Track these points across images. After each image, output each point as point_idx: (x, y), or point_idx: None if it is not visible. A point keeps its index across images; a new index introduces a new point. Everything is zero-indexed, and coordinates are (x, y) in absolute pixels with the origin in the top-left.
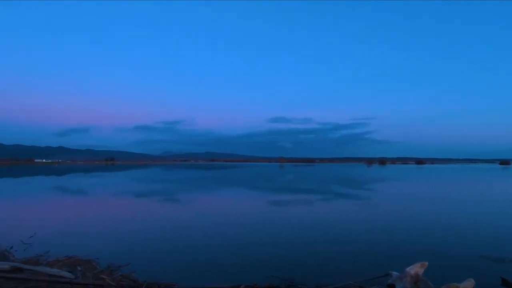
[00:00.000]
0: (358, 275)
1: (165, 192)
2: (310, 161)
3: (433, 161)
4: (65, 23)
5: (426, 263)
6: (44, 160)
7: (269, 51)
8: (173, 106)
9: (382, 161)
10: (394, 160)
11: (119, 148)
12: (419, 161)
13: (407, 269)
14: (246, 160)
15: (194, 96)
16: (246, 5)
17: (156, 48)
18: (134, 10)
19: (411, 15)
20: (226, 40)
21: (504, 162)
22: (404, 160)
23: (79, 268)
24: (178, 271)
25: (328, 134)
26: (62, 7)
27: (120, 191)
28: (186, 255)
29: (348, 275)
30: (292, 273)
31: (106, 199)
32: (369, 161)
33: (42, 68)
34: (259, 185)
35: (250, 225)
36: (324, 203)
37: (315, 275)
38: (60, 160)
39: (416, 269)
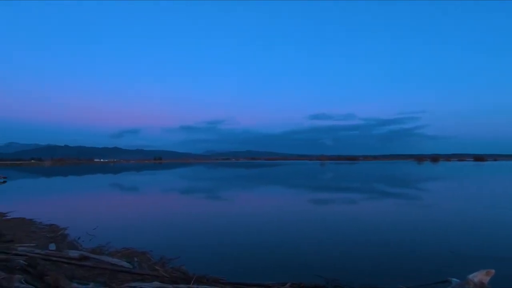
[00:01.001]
0: (410, 279)
1: (209, 189)
2: (353, 158)
3: (495, 157)
4: (120, 30)
5: (493, 271)
6: (101, 160)
7: (308, 47)
8: (214, 106)
9: (435, 158)
10: (448, 157)
11: (165, 147)
12: (478, 158)
13: (470, 276)
14: (286, 158)
15: (235, 95)
16: (279, 4)
17: (198, 52)
18: (182, 14)
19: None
20: (264, 39)
21: None
22: (460, 157)
23: (135, 259)
24: (224, 266)
25: (372, 130)
26: (123, 12)
27: (169, 188)
28: (232, 251)
29: (399, 279)
30: (337, 273)
31: (157, 195)
32: (419, 158)
33: (100, 74)
34: (300, 183)
35: (293, 223)
36: (370, 202)
37: (362, 277)
38: (115, 160)
39: (480, 276)
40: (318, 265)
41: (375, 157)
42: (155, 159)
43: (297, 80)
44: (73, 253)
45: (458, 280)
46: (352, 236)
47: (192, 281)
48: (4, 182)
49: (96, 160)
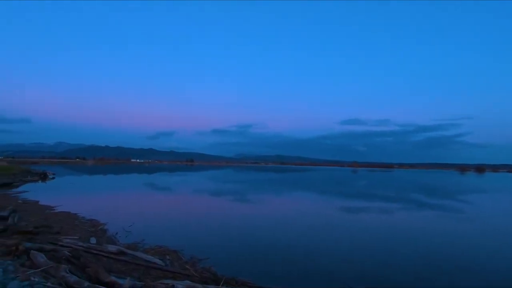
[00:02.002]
0: None
1: (239, 192)
2: (387, 166)
3: None
4: (159, 37)
5: None
6: (138, 160)
7: (341, 49)
8: (245, 110)
9: (480, 168)
10: (496, 168)
11: (197, 150)
12: None
13: None
14: (316, 164)
15: (266, 99)
16: (316, 9)
17: (229, 58)
18: (214, 20)
19: None
20: (293, 42)
21: None
22: (510, 168)
23: (167, 257)
24: (253, 269)
25: (409, 136)
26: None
27: (200, 189)
28: (260, 255)
29: None
30: (368, 284)
31: (188, 196)
32: (462, 168)
33: (141, 80)
34: (331, 189)
35: (323, 229)
36: (407, 213)
37: None
38: (150, 160)
39: None
40: (350, 275)
41: (411, 165)
42: (187, 161)
43: (329, 84)
44: (112, 248)
45: None
46: (383, 247)
47: (221, 283)
48: (53, 178)
49: (132, 160)
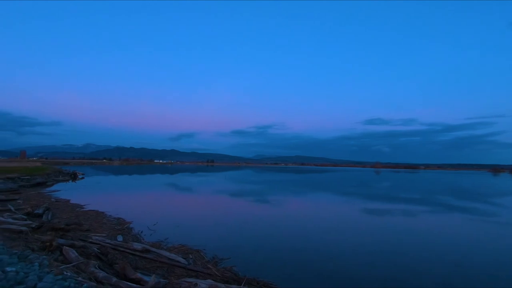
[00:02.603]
0: None
1: (260, 192)
2: (413, 167)
3: None
4: (181, 41)
5: None
6: (160, 161)
7: (363, 48)
8: (265, 111)
9: None
10: None
11: (217, 151)
12: None
13: None
14: (338, 165)
15: (285, 100)
16: (337, 10)
17: (247, 56)
18: (228, 23)
19: None
20: (313, 42)
21: None
22: None
23: (190, 256)
24: (274, 270)
25: (436, 136)
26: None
27: (221, 189)
28: (282, 256)
29: None
30: None
31: (210, 196)
32: (495, 169)
33: (164, 83)
34: (352, 191)
35: (347, 233)
36: (433, 216)
37: None
38: (172, 161)
39: None
40: (371, 279)
41: (439, 166)
42: (207, 162)
43: (351, 83)
44: (137, 246)
45: None
46: (409, 251)
47: (243, 283)
48: (82, 178)
49: (156, 161)
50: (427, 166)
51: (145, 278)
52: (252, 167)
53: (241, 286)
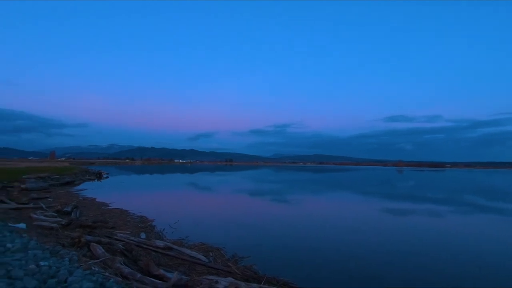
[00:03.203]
0: None
1: (279, 192)
2: (438, 165)
3: None
4: (192, 41)
5: None
6: (180, 161)
7: (383, 44)
8: (283, 110)
9: None
10: None
11: (236, 150)
12: None
13: None
14: (358, 163)
15: (303, 99)
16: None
17: (264, 55)
18: (249, 19)
19: None
20: (332, 39)
21: None
22: None
23: (211, 254)
24: (293, 270)
25: (463, 133)
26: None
27: (240, 188)
28: (301, 255)
29: None
30: None
31: (229, 195)
32: None
33: (182, 84)
34: (373, 190)
35: (369, 233)
36: (458, 216)
37: None
38: (191, 161)
39: None
40: (391, 279)
41: (467, 165)
42: (226, 161)
43: (371, 79)
44: (159, 243)
45: None
46: (432, 252)
47: (263, 281)
48: (107, 177)
49: (176, 160)
50: (453, 165)
51: (168, 274)
52: (271, 166)
53: (261, 285)
